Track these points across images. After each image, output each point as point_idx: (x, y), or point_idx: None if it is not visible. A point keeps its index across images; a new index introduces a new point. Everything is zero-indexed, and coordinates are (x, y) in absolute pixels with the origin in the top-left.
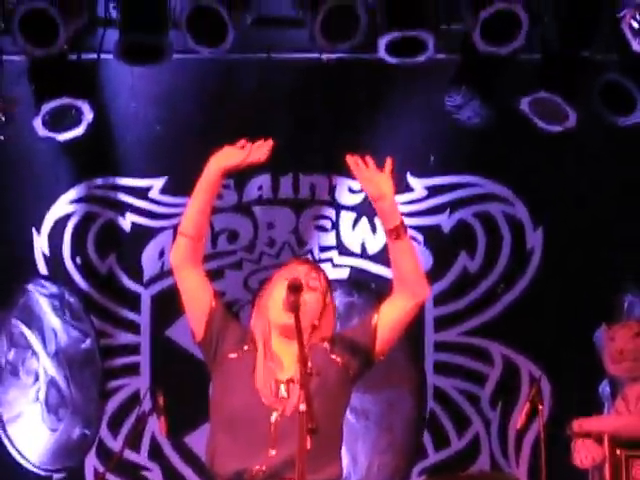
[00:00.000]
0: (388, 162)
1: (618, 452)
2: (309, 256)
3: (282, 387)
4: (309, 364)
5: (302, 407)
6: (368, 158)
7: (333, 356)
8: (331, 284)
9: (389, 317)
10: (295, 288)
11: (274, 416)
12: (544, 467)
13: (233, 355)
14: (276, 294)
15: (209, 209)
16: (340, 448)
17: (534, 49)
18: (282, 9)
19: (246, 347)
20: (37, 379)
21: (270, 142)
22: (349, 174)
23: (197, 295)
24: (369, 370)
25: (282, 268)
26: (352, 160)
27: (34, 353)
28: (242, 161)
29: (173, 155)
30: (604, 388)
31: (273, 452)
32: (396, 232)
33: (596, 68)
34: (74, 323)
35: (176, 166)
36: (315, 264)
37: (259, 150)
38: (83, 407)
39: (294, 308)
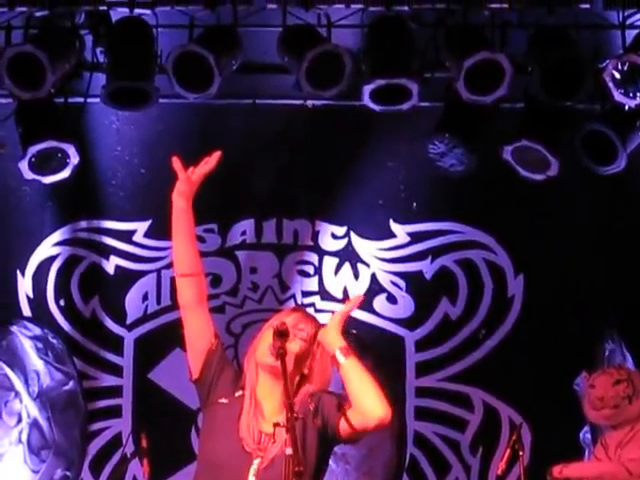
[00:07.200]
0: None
1: None
2: (292, 301)
3: (263, 436)
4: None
5: (288, 451)
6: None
7: (315, 419)
8: None
9: (350, 425)
10: (280, 333)
11: (255, 464)
12: None
13: (224, 400)
14: (264, 340)
15: (194, 242)
16: None
17: (517, 98)
18: (268, 56)
19: (237, 393)
20: (20, 420)
21: (218, 153)
22: (332, 220)
23: (200, 333)
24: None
25: (274, 316)
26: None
27: (17, 394)
28: (195, 179)
29: (157, 199)
30: (585, 435)
31: None
32: (336, 359)
33: (578, 118)
34: (57, 365)
35: (160, 210)
36: (306, 313)
37: (206, 164)
38: (65, 449)
39: (280, 354)
